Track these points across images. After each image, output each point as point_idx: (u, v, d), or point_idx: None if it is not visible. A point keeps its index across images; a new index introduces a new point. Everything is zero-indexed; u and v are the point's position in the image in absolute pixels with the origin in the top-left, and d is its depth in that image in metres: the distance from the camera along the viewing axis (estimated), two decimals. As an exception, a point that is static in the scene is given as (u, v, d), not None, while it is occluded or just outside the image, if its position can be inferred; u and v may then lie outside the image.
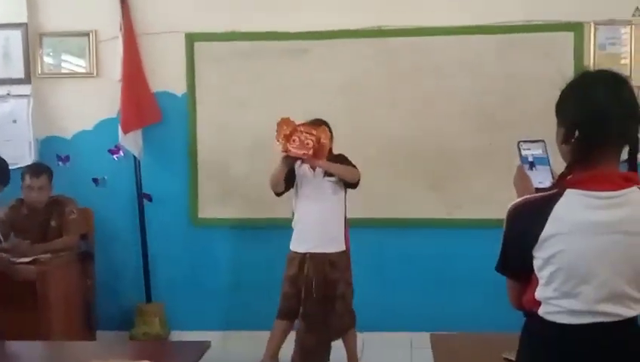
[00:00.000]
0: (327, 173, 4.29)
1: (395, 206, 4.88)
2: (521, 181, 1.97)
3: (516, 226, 1.85)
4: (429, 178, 4.85)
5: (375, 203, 4.86)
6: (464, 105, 4.78)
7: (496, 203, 4.58)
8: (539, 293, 1.83)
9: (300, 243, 4.31)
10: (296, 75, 4.89)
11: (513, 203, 1.87)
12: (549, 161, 1.96)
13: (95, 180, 5.03)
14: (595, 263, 1.76)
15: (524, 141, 2.00)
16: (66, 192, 4.75)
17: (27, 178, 4.46)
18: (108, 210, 5.06)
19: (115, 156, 5.00)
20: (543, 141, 1.98)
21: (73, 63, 5.07)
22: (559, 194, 1.80)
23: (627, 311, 1.78)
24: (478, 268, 4.74)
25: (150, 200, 5.00)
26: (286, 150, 4.10)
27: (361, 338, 4.77)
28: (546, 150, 1.96)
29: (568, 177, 1.84)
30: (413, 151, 4.84)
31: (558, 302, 1.80)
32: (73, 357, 2.73)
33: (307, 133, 4.07)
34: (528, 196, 1.88)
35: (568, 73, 1.95)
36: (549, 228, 1.78)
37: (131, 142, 4.87)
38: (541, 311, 1.83)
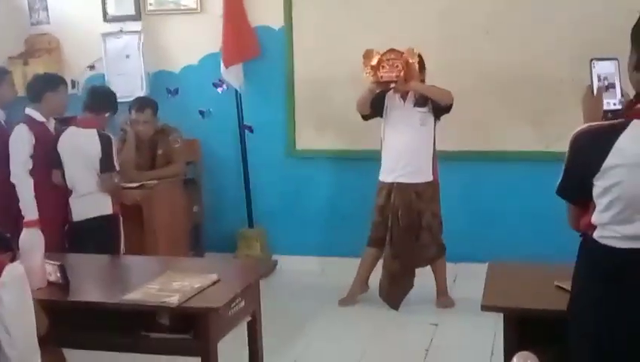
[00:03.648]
0: (417, 103, 4.31)
1: (490, 138, 4.83)
2: (589, 102, 1.95)
3: (579, 154, 1.86)
4: (527, 109, 4.75)
5: (470, 135, 4.83)
6: (564, 34, 4.60)
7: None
8: (595, 218, 1.87)
9: (387, 173, 4.39)
10: (393, 4, 4.87)
11: (577, 130, 1.88)
12: (620, 80, 1.93)
13: (201, 112, 5.31)
14: None
15: (597, 59, 1.96)
16: (175, 123, 5.02)
17: (133, 112, 4.75)
18: (213, 141, 5.35)
19: (219, 89, 5.22)
20: (616, 59, 1.95)
21: None
22: (625, 125, 1.79)
23: None
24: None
25: (251, 131, 5.22)
26: (376, 77, 4.16)
27: (454, 269, 4.83)
28: (619, 69, 1.92)
29: (637, 106, 1.81)
30: (510, 81, 4.74)
31: (612, 227, 1.84)
32: (147, 269, 3.00)
33: (394, 58, 4.12)
34: (593, 124, 1.87)
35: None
36: (611, 159, 1.78)
37: (232, 76, 5.09)
38: (596, 235, 1.88)
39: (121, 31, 5.35)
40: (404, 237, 4.34)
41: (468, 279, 4.66)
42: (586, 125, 1.87)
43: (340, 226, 5.13)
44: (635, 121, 1.78)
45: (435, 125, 4.35)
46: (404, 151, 4.31)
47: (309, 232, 5.24)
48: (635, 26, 1.87)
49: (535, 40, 4.66)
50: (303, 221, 5.25)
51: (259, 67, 5.17)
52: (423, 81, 4.34)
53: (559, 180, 1.94)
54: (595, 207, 1.87)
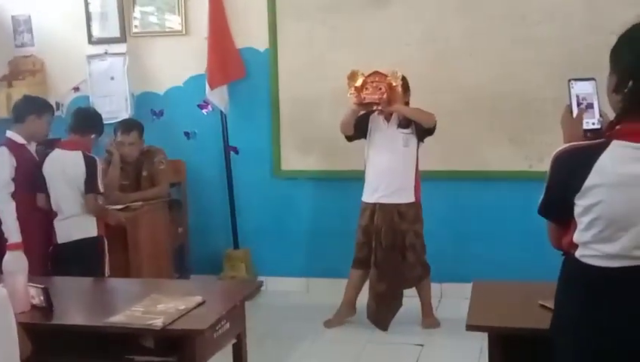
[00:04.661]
0: (401, 125, 4.34)
1: (474, 157, 4.86)
2: (568, 122, 1.97)
3: (560, 173, 1.87)
4: (510, 129, 4.78)
5: (454, 154, 4.86)
6: (547, 54, 4.65)
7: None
8: (577, 237, 1.87)
9: (370, 194, 4.41)
10: (378, 26, 4.91)
11: (559, 149, 1.89)
12: (598, 100, 1.95)
13: (186, 134, 5.31)
14: (636, 214, 1.78)
15: (576, 79, 1.98)
16: (160, 145, 5.02)
17: (119, 134, 4.75)
18: (198, 162, 5.35)
19: (204, 111, 5.23)
20: (594, 79, 1.97)
21: (164, 22, 5.30)
22: (605, 145, 1.80)
23: None
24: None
25: (237, 152, 5.22)
26: (360, 99, 4.18)
27: (439, 289, 4.85)
28: (597, 89, 1.95)
29: (617, 127, 1.83)
30: (494, 102, 4.78)
31: (594, 246, 1.84)
32: (132, 291, 2.98)
33: (377, 80, 4.15)
34: (574, 143, 1.89)
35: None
36: (592, 179, 1.79)
37: (217, 97, 5.09)
38: (578, 254, 1.88)
39: (106, 53, 5.35)
40: (388, 257, 4.34)
41: (453, 299, 4.70)
42: (568, 145, 1.89)
43: (325, 247, 5.13)
44: (615, 141, 1.80)
45: (418, 147, 4.38)
46: (387, 171, 4.33)
47: (294, 253, 5.24)
48: (613, 48, 1.89)
49: (517, 60, 4.71)
50: (289, 242, 5.25)
51: (244, 88, 5.19)
52: (407, 102, 4.38)
53: (540, 199, 1.96)
54: (576, 226, 1.88)
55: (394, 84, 4.17)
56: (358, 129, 4.39)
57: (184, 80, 5.32)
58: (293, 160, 5.16)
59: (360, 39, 4.93)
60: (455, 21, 4.80)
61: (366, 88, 4.19)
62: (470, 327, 2.39)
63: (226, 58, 5.06)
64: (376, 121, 4.40)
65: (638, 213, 1.77)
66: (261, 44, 5.13)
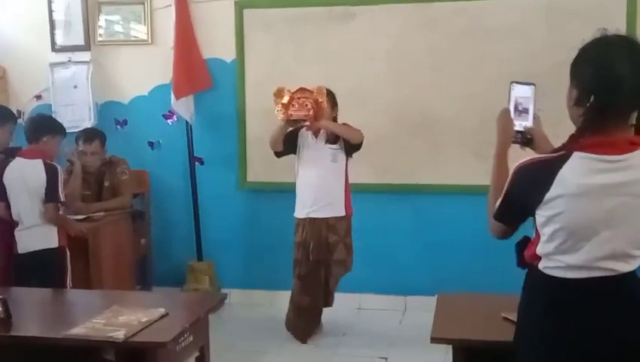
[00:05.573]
0: (329, 141, 4.36)
1: (438, 172, 4.88)
2: (503, 121, 2.08)
3: (522, 185, 1.90)
4: (473, 144, 4.81)
5: (419, 168, 4.89)
6: (510, 70, 4.67)
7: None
8: (540, 249, 1.90)
9: (300, 209, 4.43)
10: (343, 40, 4.93)
11: (520, 162, 1.92)
12: (534, 104, 2.07)
13: (150, 144, 5.25)
14: (597, 224, 1.81)
15: (517, 82, 2.09)
16: (123, 154, 4.97)
17: (80, 143, 4.68)
18: (162, 172, 5.29)
19: (169, 121, 5.18)
20: (534, 84, 2.09)
21: (129, 31, 5.25)
22: (566, 157, 1.83)
23: (624, 267, 1.84)
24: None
25: (202, 163, 5.18)
26: (287, 115, 4.20)
27: (404, 301, 4.92)
28: (534, 94, 2.08)
29: (579, 139, 1.86)
30: (457, 116, 4.82)
31: (557, 257, 1.87)
32: (93, 303, 2.93)
33: (304, 97, 4.16)
34: (536, 157, 1.93)
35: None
36: (554, 190, 1.82)
37: (183, 108, 5.05)
38: (541, 266, 1.91)
39: (69, 61, 5.28)
40: (314, 272, 4.38)
41: (417, 312, 4.72)
42: (529, 158, 1.91)
43: (290, 260, 5.07)
44: (576, 153, 1.83)
45: (346, 161, 4.40)
46: (316, 187, 4.35)
47: (259, 265, 5.21)
48: (573, 62, 1.93)
49: (480, 75, 4.75)
50: (253, 254, 5.22)
51: (210, 99, 5.15)
52: (335, 118, 4.40)
53: (497, 206, 1.97)
54: (539, 238, 1.91)
55: (320, 100, 4.19)
56: (288, 145, 4.40)
57: (149, 89, 5.27)
58: (259, 171, 5.13)
59: (326, 52, 4.94)
60: (419, 36, 4.83)
61: (292, 105, 4.19)
62: (434, 340, 2.40)
63: (192, 68, 5.03)
64: (305, 137, 4.41)
65: (599, 223, 1.80)
66: (228, 54, 5.11)
